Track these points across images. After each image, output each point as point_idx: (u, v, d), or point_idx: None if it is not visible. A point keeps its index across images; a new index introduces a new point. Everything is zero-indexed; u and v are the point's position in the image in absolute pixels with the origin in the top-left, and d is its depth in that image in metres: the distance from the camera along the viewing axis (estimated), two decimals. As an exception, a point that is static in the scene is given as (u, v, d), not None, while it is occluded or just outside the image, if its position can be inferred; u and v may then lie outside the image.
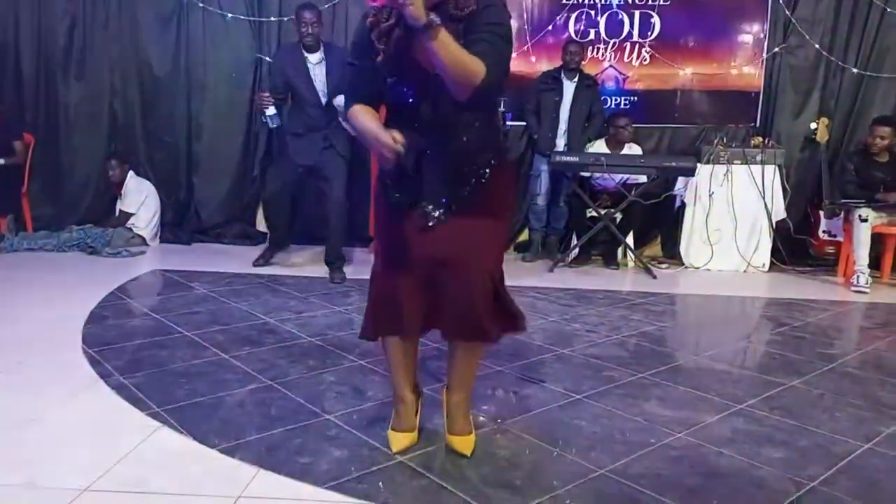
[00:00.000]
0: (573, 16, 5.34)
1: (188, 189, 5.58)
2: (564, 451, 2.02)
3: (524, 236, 5.45)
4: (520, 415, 2.29)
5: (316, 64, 4.15)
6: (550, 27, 5.35)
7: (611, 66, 5.40)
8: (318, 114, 4.12)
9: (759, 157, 4.93)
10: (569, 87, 5.01)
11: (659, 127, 5.42)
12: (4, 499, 1.70)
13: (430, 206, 1.83)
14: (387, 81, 1.82)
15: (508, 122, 5.26)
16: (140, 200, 5.27)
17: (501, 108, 4.68)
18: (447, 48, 1.61)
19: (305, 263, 4.65)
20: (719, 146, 5.00)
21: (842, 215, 4.84)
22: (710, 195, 4.95)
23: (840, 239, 4.93)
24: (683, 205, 5.11)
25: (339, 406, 2.30)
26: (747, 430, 2.21)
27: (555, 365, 2.81)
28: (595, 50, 5.38)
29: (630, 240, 5.06)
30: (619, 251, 5.14)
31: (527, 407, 2.35)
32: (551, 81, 5.03)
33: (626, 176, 4.94)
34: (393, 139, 1.69)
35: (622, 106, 5.40)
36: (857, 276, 4.42)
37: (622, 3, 5.30)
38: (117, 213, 5.32)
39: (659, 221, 5.38)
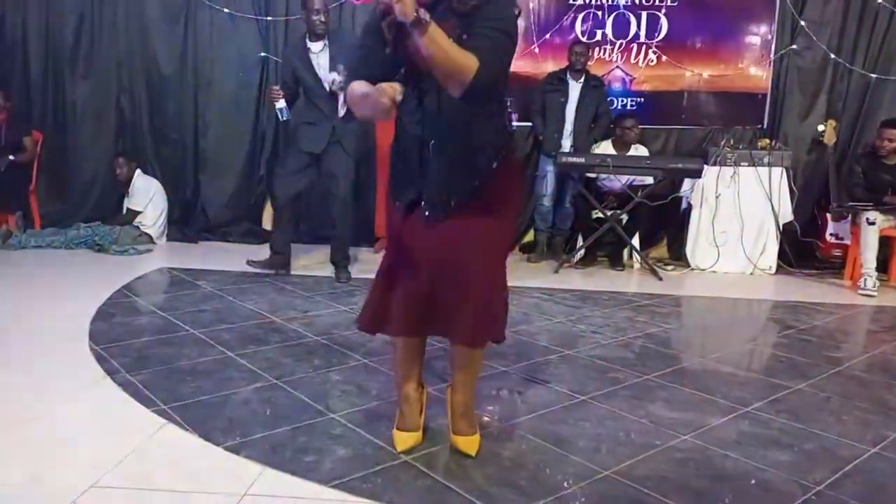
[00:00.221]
0: (580, 16, 5.33)
1: (195, 187, 5.60)
2: (569, 452, 2.02)
3: (530, 237, 5.45)
4: (524, 415, 2.28)
5: (318, 52, 4.08)
6: (557, 28, 5.35)
7: (617, 67, 5.39)
8: (323, 103, 4.06)
9: (766, 159, 4.91)
10: (575, 88, 5.00)
11: (665, 128, 5.41)
12: (11, 495, 1.71)
13: (432, 202, 1.83)
14: (394, 71, 1.80)
15: (514, 123, 5.25)
16: (147, 198, 5.29)
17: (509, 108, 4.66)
18: (436, 44, 1.61)
19: (311, 263, 4.65)
20: (726, 148, 4.98)
21: (849, 218, 4.82)
22: (716, 197, 4.94)
23: (847, 242, 4.91)
24: (690, 206, 5.10)
25: (344, 405, 2.30)
26: (753, 433, 2.20)
27: (560, 366, 2.81)
28: (602, 51, 5.37)
29: (636, 241, 5.05)
30: (625, 252, 5.13)
31: (531, 408, 2.35)
32: (557, 82, 5.02)
33: (632, 177, 4.93)
34: (390, 87, 1.64)
35: (629, 107, 5.39)
36: (865, 280, 4.40)
37: (629, 3, 5.30)
38: (124, 210, 5.34)
39: (665, 223, 5.37)
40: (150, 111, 5.56)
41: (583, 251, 5.05)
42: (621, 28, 5.33)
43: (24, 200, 5.27)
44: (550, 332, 3.28)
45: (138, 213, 5.26)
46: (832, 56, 5.15)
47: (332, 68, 4.02)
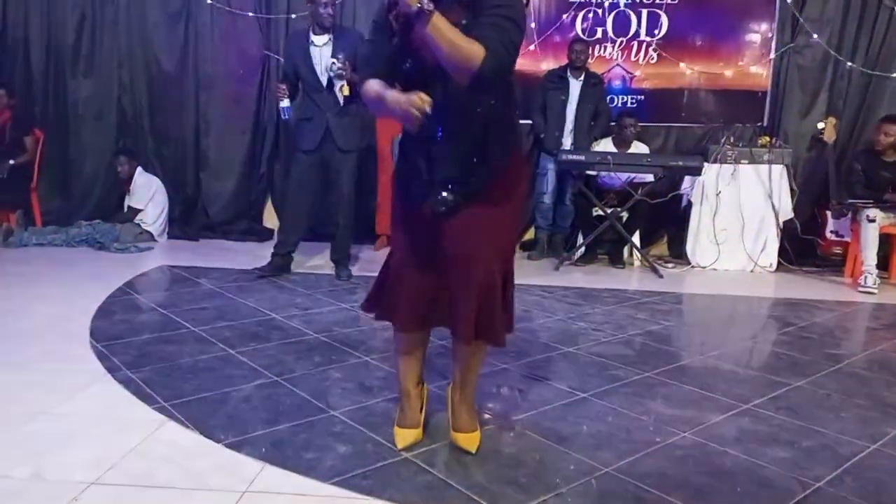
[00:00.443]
0: (580, 14, 5.33)
1: (196, 185, 5.61)
2: (569, 449, 2.02)
3: (530, 235, 5.45)
4: (525, 412, 2.29)
5: (321, 46, 4.02)
6: (557, 25, 5.34)
7: (618, 64, 5.39)
8: (320, 97, 4.02)
9: (766, 157, 4.92)
10: (575, 86, 5.00)
11: (666, 126, 5.41)
12: (13, 491, 1.71)
13: (441, 193, 1.82)
14: (402, 63, 1.80)
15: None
16: (148, 196, 5.30)
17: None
18: (441, 33, 1.61)
19: (312, 261, 4.65)
20: (726, 145, 4.98)
21: (849, 215, 4.82)
22: (716, 194, 4.94)
23: (847, 239, 4.91)
24: (690, 204, 5.10)
25: (345, 402, 2.31)
26: (753, 430, 2.21)
27: (560, 363, 2.81)
28: (602, 49, 5.37)
29: (636, 239, 5.05)
30: (626, 250, 5.13)
31: (532, 405, 2.35)
32: (557, 80, 5.02)
33: (632, 175, 4.93)
34: (420, 98, 1.66)
35: (629, 105, 5.39)
36: (865, 277, 4.41)
37: (630, 1, 5.29)
38: (126, 208, 5.35)
39: (665, 221, 5.37)
40: (151, 109, 5.56)
41: (583, 249, 5.05)
42: (622, 26, 5.33)
43: (26, 198, 5.27)
44: (551, 330, 3.28)
45: (139, 210, 5.27)
46: (832, 53, 5.15)
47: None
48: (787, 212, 4.97)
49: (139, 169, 5.36)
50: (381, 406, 2.28)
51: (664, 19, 5.29)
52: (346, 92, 3.96)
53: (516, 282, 2.01)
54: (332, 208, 4.29)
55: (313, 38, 4.06)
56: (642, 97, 5.41)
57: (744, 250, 4.97)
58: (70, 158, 5.57)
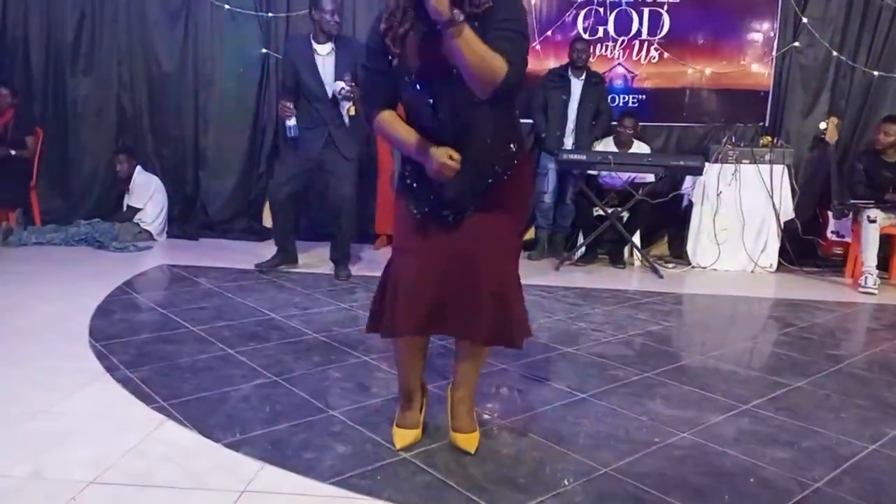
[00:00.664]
0: (582, 13, 5.32)
1: (195, 184, 5.60)
2: (568, 449, 2.02)
3: (530, 234, 5.44)
4: (524, 413, 2.29)
5: (325, 55, 4.01)
6: (559, 24, 5.34)
7: (619, 64, 5.38)
8: (323, 108, 4.02)
9: (767, 157, 4.91)
10: (576, 86, 4.99)
11: (667, 125, 5.40)
12: (11, 490, 1.71)
13: (452, 206, 1.83)
14: (403, 83, 1.80)
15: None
16: (147, 195, 5.29)
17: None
18: (470, 45, 1.59)
19: (311, 260, 4.65)
20: (728, 145, 4.98)
21: (850, 216, 4.81)
22: (717, 194, 4.93)
23: (848, 240, 4.91)
24: (691, 204, 5.09)
25: (344, 402, 2.30)
26: (752, 431, 2.20)
27: (560, 363, 2.81)
28: (603, 48, 5.36)
29: (637, 239, 5.05)
30: (626, 250, 5.13)
31: (531, 405, 2.35)
32: (558, 79, 5.01)
33: (633, 174, 4.93)
34: (450, 157, 1.72)
35: (630, 104, 5.39)
36: (865, 278, 4.40)
37: (632, 0, 5.28)
38: (125, 207, 5.34)
39: (666, 221, 5.37)
40: (151, 108, 5.55)
41: (584, 249, 5.04)
42: (623, 25, 5.32)
43: (25, 197, 5.27)
44: (551, 330, 3.28)
45: (138, 209, 5.26)
46: (835, 53, 5.14)
47: (338, 76, 3.97)
48: (788, 212, 4.96)
49: (138, 168, 5.35)
50: (381, 406, 2.27)
51: (666, 18, 5.28)
52: (353, 112, 3.97)
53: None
54: (333, 212, 4.27)
55: (316, 46, 4.02)
56: (644, 96, 5.40)
57: (744, 250, 4.96)
58: (69, 157, 5.56)
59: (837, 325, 3.67)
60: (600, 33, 5.34)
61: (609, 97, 5.25)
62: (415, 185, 1.88)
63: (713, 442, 2.10)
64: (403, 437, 2.00)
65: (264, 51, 5.37)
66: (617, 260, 5.06)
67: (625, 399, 2.43)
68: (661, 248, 5.52)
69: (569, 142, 5.01)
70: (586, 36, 5.27)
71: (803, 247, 5.14)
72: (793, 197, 4.97)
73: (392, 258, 1.96)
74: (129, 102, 5.56)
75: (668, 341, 3.22)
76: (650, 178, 4.89)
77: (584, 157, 4.74)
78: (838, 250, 5.03)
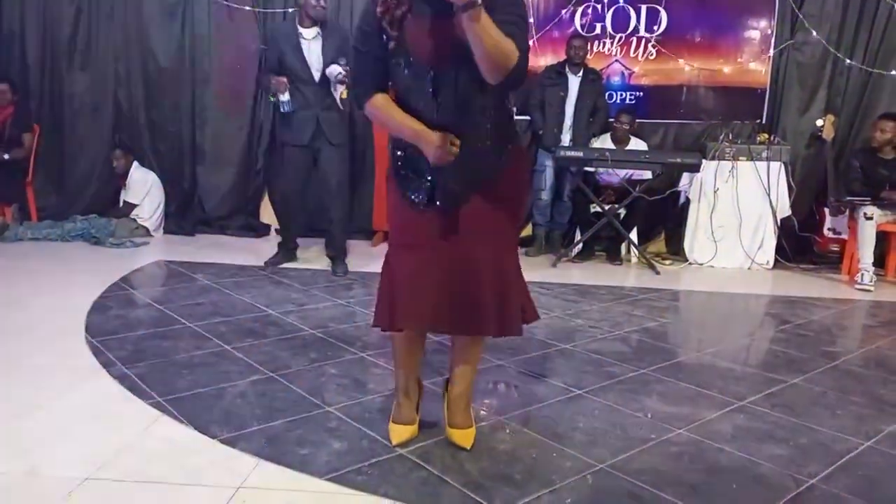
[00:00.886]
0: (579, 10, 5.32)
1: (192, 180, 5.59)
2: (564, 445, 2.02)
3: (528, 231, 5.44)
4: (520, 409, 2.29)
5: (311, 39, 4.01)
6: (556, 21, 5.33)
7: (617, 60, 5.38)
8: (310, 91, 4.01)
9: (764, 154, 4.91)
10: (573, 82, 4.99)
11: (664, 122, 5.40)
12: (6, 486, 1.71)
13: (448, 193, 1.82)
14: (398, 66, 1.78)
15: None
16: (144, 191, 5.28)
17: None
18: (487, 30, 1.58)
19: (308, 256, 4.65)
20: (725, 142, 4.97)
21: (847, 213, 4.82)
22: (714, 191, 4.93)
23: (845, 237, 4.92)
24: (688, 201, 5.10)
25: (340, 398, 2.30)
26: (748, 427, 2.21)
27: (556, 360, 2.81)
28: (601, 44, 5.36)
29: (634, 235, 5.05)
30: (623, 247, 5.13)
31: (527, 401, 2.35)
32: (556, 76, 5.00)
33: (630, 171, 4.92)
34: (452, 143, 1.72)
35: (627, 101, 5.38)
36: (862, 274, 4.41)
37: (629, -3, 5.28)
38: (121, 203, 5.33)
39: (663, 217, 5.36)
40: (148, 104, 5.53)
41: (581, 245, 5.05)
42: (621, 22, 5.31)
43: (21, 193, 5.26)
44: (547, 326, 3.28)
45: (135, 205, 5.25)
46: (831, 50, 5.14)
47: (325, 60, 3.97)
48: (784, 209, 4.97)
49: (135, 163, 5.34)
50: (377, 402, 2.28)
51: (663, 15, 5.27)
52: (345, 95, 3.98)
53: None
54: (324, 202, 4.28)
55: (302, 30, 4.03)
56: (641, 93, 5.40)
57: (741, 247, 4.96)
58: (66, 153, 5.54)
59: (834, 321, 3.67)
60: (598, 30, 5.34)
61: (606, 94, 5.25)
62: (408, 173, 1.87)
63: (709, 438, 2.10)
64: (400, 433, 2.00)
65: (262, 46, 5.35)
66: (614, 257, 5.07)
67: (621, 395, 2.43)
68: (658, 244, 5.52)
69: (566, 139, 5.01)
70: (584, 33, 5.26)
71: (800, 244, 5.14)
72: (789, 194, 4.97)
73: (388, 254, 1.95)
74: (126, 98, 5.55)
75: (665, 338, 3.23)
76: (647, 174, 4.89)
77: (581, 154, 4.74)
78: (835, 247, 5.04)
